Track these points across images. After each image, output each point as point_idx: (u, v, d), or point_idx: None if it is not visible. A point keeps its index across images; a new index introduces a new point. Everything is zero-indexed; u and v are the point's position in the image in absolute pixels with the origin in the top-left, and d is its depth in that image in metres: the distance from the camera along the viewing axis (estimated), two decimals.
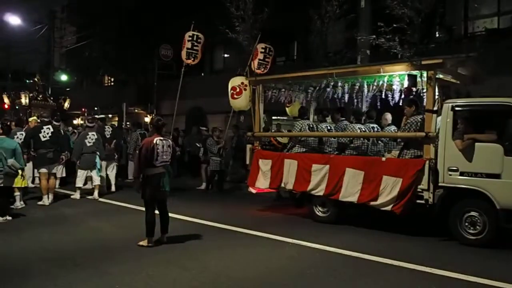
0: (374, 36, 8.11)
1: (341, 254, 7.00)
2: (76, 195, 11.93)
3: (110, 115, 28.39)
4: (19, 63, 33.08)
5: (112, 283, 5.52)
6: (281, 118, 19.58)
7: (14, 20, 28.08)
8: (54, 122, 11.40)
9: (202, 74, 26.23)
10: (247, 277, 5.88)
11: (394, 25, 7.92)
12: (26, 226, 8.58)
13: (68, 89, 25.51)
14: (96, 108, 28.89)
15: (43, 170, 10.93)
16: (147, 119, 25.16)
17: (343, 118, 9.81)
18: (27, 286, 5.46)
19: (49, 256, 6.63)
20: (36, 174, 12.01)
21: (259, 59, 12.19)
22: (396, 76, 8.53)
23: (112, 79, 30.72)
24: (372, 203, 8.28)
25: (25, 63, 32.27)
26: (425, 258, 6.70)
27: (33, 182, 12.73)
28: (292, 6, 17.22)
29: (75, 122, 26.98)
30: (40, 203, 10.87)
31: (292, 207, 10.41)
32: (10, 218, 9.10)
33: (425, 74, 8.00)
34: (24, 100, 18.81)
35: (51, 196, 11.08)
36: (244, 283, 5.71)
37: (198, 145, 14.97)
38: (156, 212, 7.33)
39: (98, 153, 11.95)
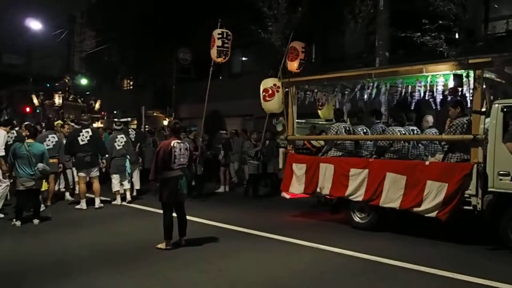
0: (419, 34, 7.48)
1: (360, 258, 6.77)
2: (117, 201, 11.37)
3: (129, 119, 27.94)
4: (40, 68, 32.80)
5: (130, 285, 5.54)
6: (299, 121, 19.03)
7: (35, 25, 27.80)
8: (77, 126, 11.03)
9: (220, 78, 25.71)
10: (264, 281, 5.77)
11: (440, 22, 7.29)
12: (45, 229, 8.51)
13: (88, 92, 25.03)
14: (115, 112, 28.53)
15: (82, 174, 10.56)
16: (165, 122, 24.81)
17: (378, 121, 9.23)
18: (46, 287, 5.48)
19: (69, 258, 6.61)
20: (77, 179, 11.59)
21: (300, 59, 11.40)
22: (440, 76, 7.91)
23: (131, 83, 30.33)
24: (415, 209, 7.68)
25: (46, 68, 32.00)
26: (449, 263, 6.40)
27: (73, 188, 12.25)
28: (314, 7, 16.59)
29: (94, 125, 26.52)
30: (77, 207, 10.52)
31: (327, 213, 9.84)
32: (19, 223, 8.74)
33: (471, 74, 7.38)
34: (58, 100, 18.25)
35: (97, 200, 10.67)
36: (261, 286, 5.63)
37: (218, 147, 14.57)
38: (174, 215, 7.18)
39: (128, 156, 11.47)
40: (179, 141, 7.12)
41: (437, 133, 8.79)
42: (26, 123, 12.08)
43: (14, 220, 8.73)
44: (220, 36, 11.48)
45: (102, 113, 27.17)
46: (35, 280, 5.71)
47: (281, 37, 10.08)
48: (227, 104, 22.19)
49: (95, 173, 10.71)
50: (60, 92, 19.22)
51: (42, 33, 28.52)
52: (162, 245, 7.03)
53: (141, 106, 24.68)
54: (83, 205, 10.46)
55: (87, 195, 10.79)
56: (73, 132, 11.22)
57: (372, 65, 11.43)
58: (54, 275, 5.83)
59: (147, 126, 23.92)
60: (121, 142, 11.40)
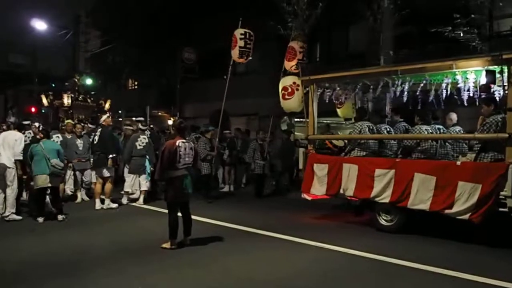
0: (450, 28, 6.97)
1: (366, 257, 6.54)
2: (124, 200, 11.01)
3: (134, 118, 27.43)
4: (46, 68, 32.28)
5: (135, 284, 5.42)
6: (304, 120, 18.48)
7: (40, 25, 27.26)
8: (89, 125, 10.61)
9: (225, 77, 25.18)
10: (270, 280, 5.63)
11: (472, 16, 6.79)
12: (53, 228, 8.36)
13: (93, 92, 24.47)
14: (120, 111, 28.04)
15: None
16: (170, 122, 24.35)
17: (402, 119, 8.73)
18: (52, 285, 5.40)
19: (74, 257, 6.49)
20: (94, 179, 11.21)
21: (298, 59, 10.99)
22: (471, 72, 7.39)
23: (136, 83, 29.82)
24: (446, 211, 7.18)
25: (51, 68, 31.50)
26: (459, 263, 6.12)
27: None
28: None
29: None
30: (105, 207, 10.28)
31: (347, 215, 9.41)
32: (41, 219, 8.86)
33: (505, 69, 6.86)
34: (67, 100, 17.59)
35: (107, 201, 10.27)
36: (266, 285, 5.51)
37: (222, 145, 14.00)
38: (179, 214, 7.04)
39: (147, 156, 11.05)
40: (184, 140, 7.01)
41: (462, 131, 8.30)
42: (37, 124, 11.65)
43: (37, 217, 8.82)
44: (243, 36, 10.99)
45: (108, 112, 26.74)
46: (39, 279, 5.60)
47: (301, 34, 9.52)
48: (232, 103, 21.68)
49: (106, 173, 10.27)
50: (69, 92, 18.57)
51: (47, 33, 28.00)
52: (167, 245, 6.87)
53: (146, 105, 24.33)
54: (97, 205, 10.16)
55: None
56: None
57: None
58: (59, 274, 5.74)
59: (151, 125, 23.42)
60: (143, 143, 11.04)
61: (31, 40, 29.23)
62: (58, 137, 10.80)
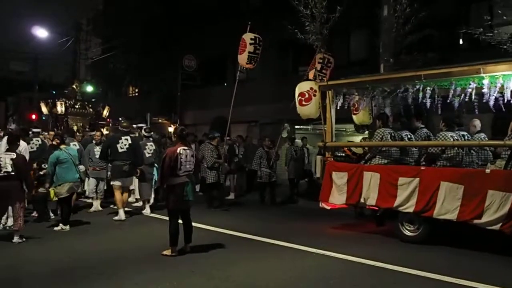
0: (481, 29, 6.54)
1: (366, 264, 6.40)
2: (147, 210, 10.43)
3: (134, 126, 26.92)
4: (46, 75, 31.73)
5: None
6: (304, 127, 18.12)
7: (41, 33, 26.76)
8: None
9: (225, 84, 24.78)
10: (271, 286, 5.52)
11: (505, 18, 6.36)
12: (52, 236, 8.13)
13: (93, 100, 24.01)
14: (120, 119, 27.50)
15: (117, 183, 9.53)
16: (171, 129, 23.91)
17: (423, 126, 8.29)
18: None
19: (74, 265, 6.34)
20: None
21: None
22: (499, 77, 6.94)
23: (136, 90, 29.33)
24: (475, 221, 6.75)
25: (52, 75, 30.95)
26: (456, 271, 5.96)
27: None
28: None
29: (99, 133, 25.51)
30: (116, 218, 9.52)
31: (366, 225, 8.94)
32: (68, 227, 8.52)
33: None
34: (60, 108, 16.96)
35: (121, 211, 9.63)
36: None
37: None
38: (180, 221, 6.90)
39: (156, 165, 10.42)
40: (185, 147, 6.87)
41: (486, 139, 7.87)
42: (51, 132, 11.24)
43: (62, 225, 8.47)
44: (253, 41, 10.46)
45: (108, 120, 26.23)
46: (38, 286, 5.52)
47: (319, 37, 9.07)
48: (233, 110, 21.31)
49: (129, 182, 9.77)
50: (63, 99, 17.94)
51: (49, 40, 27.55)
52: (167, 252, 6.73)
53: (146, 113, 23.87)
54: (121, 215, 9.47)
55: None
56: (111, 139, 10.29)
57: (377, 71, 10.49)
58: (59, 282, 5.63)
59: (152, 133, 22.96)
60: (151, 150, 10.53)
61: (32, 47, 28.78)
62: (75, 145, 10.40)
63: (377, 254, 6.72)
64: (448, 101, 7.47)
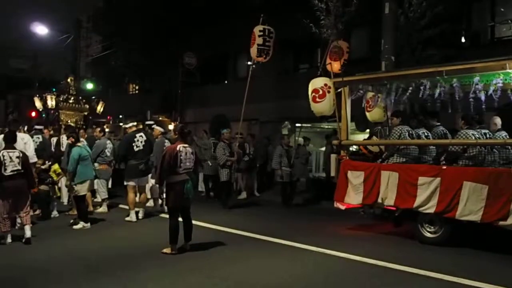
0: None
1: (366, 263, 6.31)
2: (158, 207, 10.07)
3: (135, 123, 26.47)
4: (46, 72, 31.12)
5: None
6: (305, 125, 17.66)
7: (41, 30, 26.16)
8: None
9: (226, 82, 24.29)
10: (271, 285, 5.50)
11: None
12: (53, 234, 7.99)
13: (94, 97, 23.43)
14: (120, 116, 27.06)
15: (132, 183, 9.04)
16: (171, 127, 23.45)
17: (439, 123, 7.85)
18: None
19: (75, 263, 6.31)
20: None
21: (344, 59, 10.04)
22: None
23: (137, 87, 28.79)
24: (501, 223, 6.41)
25: (52, 72, 30.34)
26: (457, 270, 5.85)
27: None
28: None
29: (98, 129, 24.96)
30: (127, 219, 9.07)
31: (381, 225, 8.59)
32: (89, 225, 8.43)
33: None
34: (50, 102, 15.89)
35: (141, 212, 9.23)
36: None
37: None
38: (180, 219, 6.80)
39: None
40: (185, 145, 6.79)
41: (507, 137, 7.44)
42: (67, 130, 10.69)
43: (83, 223, 8.33)
44: (262, 33, 9.99)
45: (108, 117, 25.65)
46: (38, 285, 5.45)
47: (334, 32, 8.59)
48: (233, 108, 20.85)
49: (145, 181, 9.37)
50: (54, 93, 16.82)
51: (49, 38, 26.94)
52: (167, 250, 6.68)
53: (146, 110, 23.42)
54: (132, 216, 9.01)
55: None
56: (127, 137, 9.76)
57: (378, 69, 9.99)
58: (58, 280, 5.58)
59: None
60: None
61: (32, 44, 28.22)
62: (82, 141, 9.72)
63: (380, 254, 6.57)
64: (470, 98, 7.00)
